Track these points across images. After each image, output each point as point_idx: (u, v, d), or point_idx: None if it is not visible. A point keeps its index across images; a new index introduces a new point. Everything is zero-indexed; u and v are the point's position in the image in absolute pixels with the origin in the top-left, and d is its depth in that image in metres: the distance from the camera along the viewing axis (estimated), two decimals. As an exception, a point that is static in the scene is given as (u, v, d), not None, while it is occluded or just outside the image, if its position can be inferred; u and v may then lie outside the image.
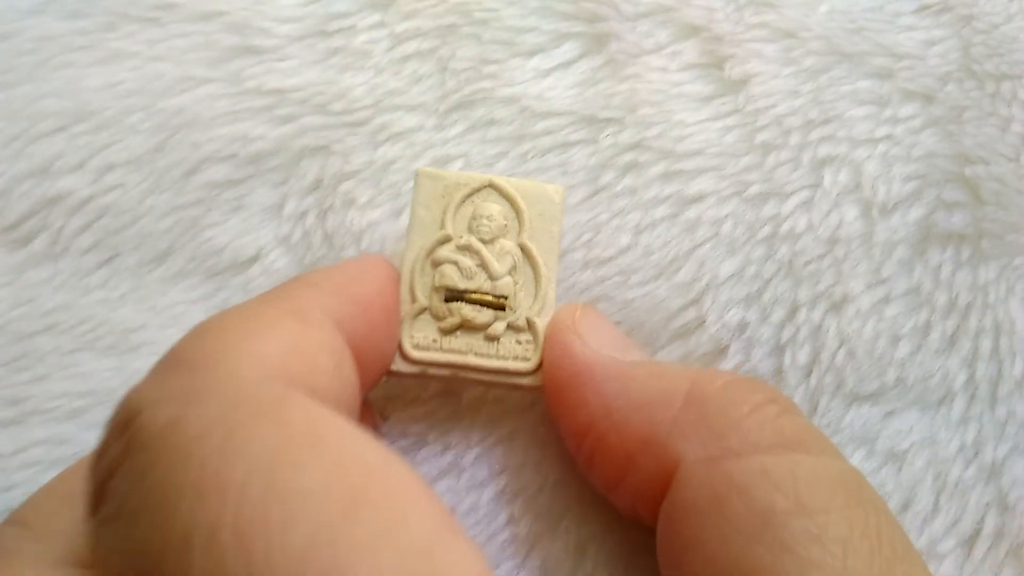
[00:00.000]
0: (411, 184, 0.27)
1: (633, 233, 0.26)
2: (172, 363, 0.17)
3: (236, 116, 0.27)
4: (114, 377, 0.25)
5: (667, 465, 0.20)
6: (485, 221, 0.23)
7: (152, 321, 0.26)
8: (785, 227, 0.26)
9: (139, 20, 0.28)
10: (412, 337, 0.23)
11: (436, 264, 0.23)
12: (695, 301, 0.25)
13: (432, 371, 0.23)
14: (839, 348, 0.25)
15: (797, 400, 0.25)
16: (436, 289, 0.23)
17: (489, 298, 0.23)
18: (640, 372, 0.22)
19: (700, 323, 0.25)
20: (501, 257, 0.23)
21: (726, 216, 0.26)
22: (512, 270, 0.23)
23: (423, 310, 0.23)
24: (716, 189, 0.26)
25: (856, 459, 0.24)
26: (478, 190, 0.23)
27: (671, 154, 0.27)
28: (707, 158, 0.27)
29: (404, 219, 0.26)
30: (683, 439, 0.20)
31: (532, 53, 0.28)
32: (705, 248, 0.26)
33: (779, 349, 0.25)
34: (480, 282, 0.23)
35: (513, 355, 0.23)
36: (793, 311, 0.25)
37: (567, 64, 0.28)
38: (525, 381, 0.23)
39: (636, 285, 0.26)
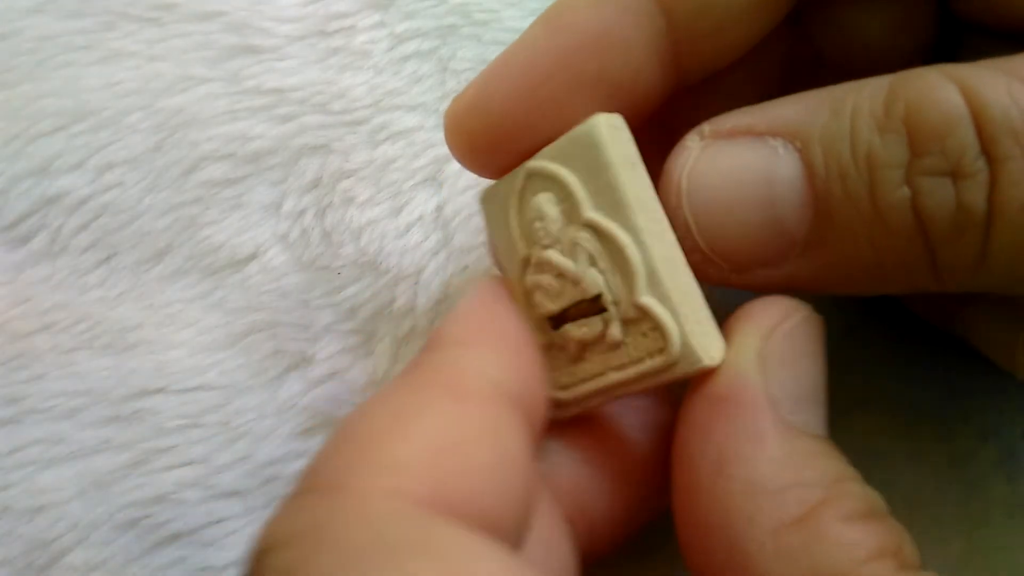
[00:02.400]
0: (411, 183, 0.27)
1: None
2: (307, 485, 0.15)
3: (235, 115, 0.27)
4: (111, 376, 0.25)
5: None
6: (537, 224, 0.19)
7: (149, 320, 0.26)
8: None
9: (138, 20, 0.28)
10: (553, 380, 0.19)
11: (528, 294, 0.19)
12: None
13: (587, 404, 0.19)
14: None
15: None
16: (538, 322, 0.19)
17: (584, 305, 0.19)
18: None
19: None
20: (573, 252, 0.19)
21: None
22: (592, 260, 0.18)
23: (545, 347, 0.19)
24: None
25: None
26: (523, 189, 0.19)
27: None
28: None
29: (404, 217, 0.26)
30: None
31: (532, 54, 0.28)
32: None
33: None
34: (570, 293, 0.19)
35: (647, 352, 0.18)
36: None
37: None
38: (678, 372, 0.18)
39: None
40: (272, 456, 0.25)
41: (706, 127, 0.18)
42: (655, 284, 0.18)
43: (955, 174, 0.16)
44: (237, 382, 0.25)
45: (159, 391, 0.25)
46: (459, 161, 0.20)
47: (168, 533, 0.24)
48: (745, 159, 0.18)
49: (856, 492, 0.17)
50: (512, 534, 0.16)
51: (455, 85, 0.28)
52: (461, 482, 0.15)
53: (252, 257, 0.26)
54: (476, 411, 0.16)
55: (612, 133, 0.18)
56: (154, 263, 0.26)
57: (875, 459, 0.23)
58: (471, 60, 0.28)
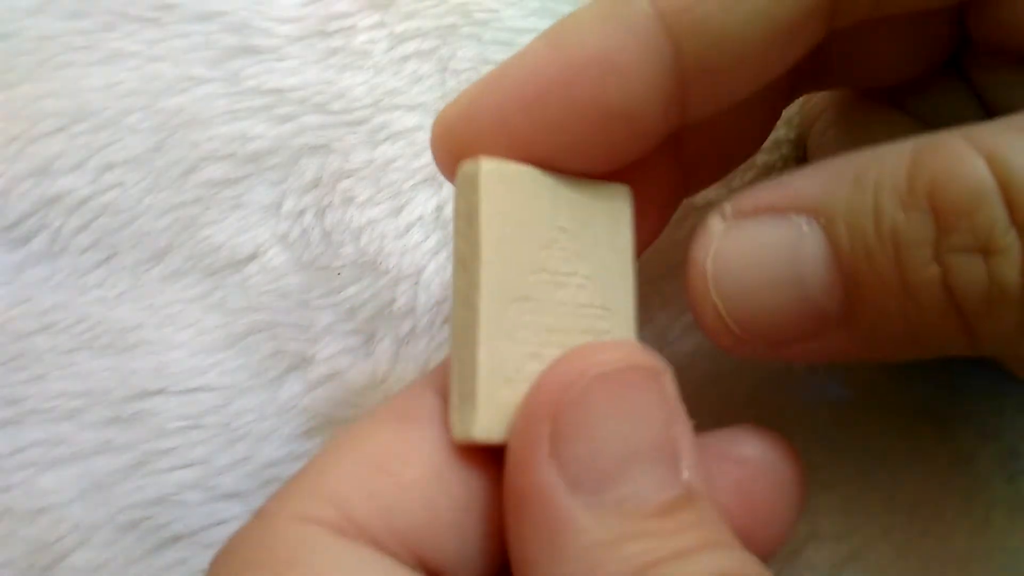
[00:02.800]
0: (411, 183, 0.27)
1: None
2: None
3: (235, 115, 0.27)
4: (111, 377, 0.25)
5: None
6: None
7: (149, 320, 0.26)
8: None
9: (139, 20, 0.28)
10: None
11: None
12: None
13: None
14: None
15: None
16: None
17: None
18: None
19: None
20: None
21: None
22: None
23: None
24: (720, 195, 0.26)
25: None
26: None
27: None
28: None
29: (404, 217, 0.26)
30: None
31: (532, 54, 0.28)
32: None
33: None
34: None
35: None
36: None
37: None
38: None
39: (645, 283, 0.25)
40: (273, 457, 0.24)
41: (728, 207, 0.18)
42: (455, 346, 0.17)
43: (985, 250, 0.16)
44: (237, 383, 0.25)
45: (159, 392, 0.25)
46: (440, 169, 0.19)
47: (169, 535, 0.24)
48: (769, 239, 0.17)
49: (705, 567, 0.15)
50: (454, 547, 0.16)
51: (455, 85, 0.27)
52: (377, 504, 0.16)
53: (252, 257, 0.26)
54: (413, 431, 0.17)
55: (495, 182, 0.17)
56: (154, 263, 0.26)
57: (876, 460, 0.23)
58: (471, 60, 0.28)
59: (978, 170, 0.16)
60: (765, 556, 0.17)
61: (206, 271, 0.26)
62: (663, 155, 0.20)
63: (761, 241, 0.17)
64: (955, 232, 0.16)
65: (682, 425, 0.16)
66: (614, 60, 0.17)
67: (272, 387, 0.25)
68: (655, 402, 0.16)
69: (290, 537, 0.16)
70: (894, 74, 0.21)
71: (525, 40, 0.27)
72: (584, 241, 0.18)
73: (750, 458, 0.19)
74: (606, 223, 0.18)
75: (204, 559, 0.24)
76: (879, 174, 0.16)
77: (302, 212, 0.26)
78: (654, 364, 0.17)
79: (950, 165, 0.16)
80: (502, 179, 0.17)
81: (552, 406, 0.16)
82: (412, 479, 0.16)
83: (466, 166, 0.17)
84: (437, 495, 0.16)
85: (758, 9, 0.17)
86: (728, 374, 0.25)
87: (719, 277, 0.18)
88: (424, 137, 0.27)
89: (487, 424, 0.16)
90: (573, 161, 0.18)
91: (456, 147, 0.18)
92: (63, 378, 0.25)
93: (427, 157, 0.27)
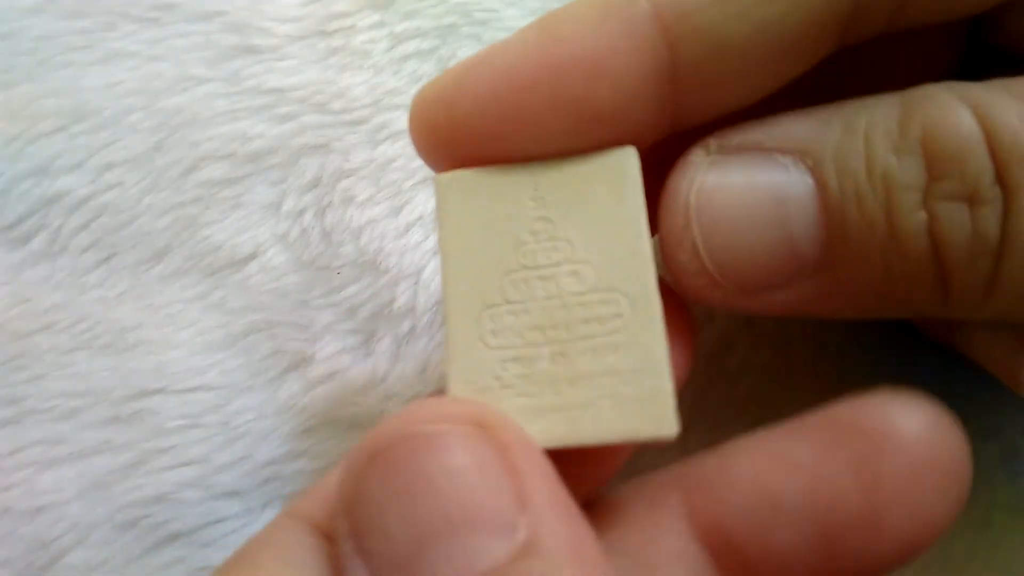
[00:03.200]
0: (411, 182, 0.27)
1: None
2: None
3: (235, 115, 0.27)
4: (110, 376, 0.25)
5: None
6: None
7: (149, 320, 0.26)
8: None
9: (139, 20, 0.28)
10: None
11: None
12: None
13: None
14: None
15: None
16: None
17: None
18: None
19: (709, 319, 0.25)
20: None
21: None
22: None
23: None
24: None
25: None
26: None
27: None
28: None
29: (404, 217, 0.26)
30: None
31: (533, 54, 0.28)
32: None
33: (786, 344, 0.25)
34: None
35: None
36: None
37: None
38: None
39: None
40: (272, 456, 0.24)
41: (712, 142, 0.17)
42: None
43: (971, 200, 0.16)
44: (237, 382, 0.25)
45: (159, 391, 0.25)
46: (417, 151, 0.18)
47: (168, 533, 0.24)
48: (756, 177, 0.17)
49: None
50: None
51: (455, 84, 0.27)
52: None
53: (252, 257, 0.26)
54: None
55: (452, 194, 0.17)
56: (154, 263, 0.26)
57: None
58: (471, 60, 0.28)
59: (967, 121, 0.16)
60: (904, 556, 0.16)
61: (206, 271, 0.26)
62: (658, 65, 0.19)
63: (746, 179, 0.17)
64: (945, 179, 0.16)
65: (511, 476, 0.14)
66: (607, 61, 0.16)
67: (271, 386, 0.25)
68: (441, 469, 0.14)
69: (267, 529, 0.17)
70: (896, 85, 0.21)
71: (525, 40, 0.28)
72: (575, 225, 0.17)
73: (891, 432, 0.16)
74: (606, 198, 0.17)
75: (202, 557, 0.24)
76: (870, 119, 0.16)
77: (302, 212, 0.26)
78: (444, 420, 0.15)
79: (941, 113, 0.16)
80: (462, 189, 0.17)
81: (347, 500, 0.15)
82: None
83: (435, 179, 0.18)
84: None
85: (765, 21, 0.16)
86: (728, 374, 0.25)
87: (701, 212, 0.17)
88: (424, 137, 0.27)
89: None
90: (545, 153, 0.17)
91: (434, 133, 0.18)
92: (63, 378, 0.25)
93: (427, 157, 0.27)
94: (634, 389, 0.16)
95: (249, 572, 0.16)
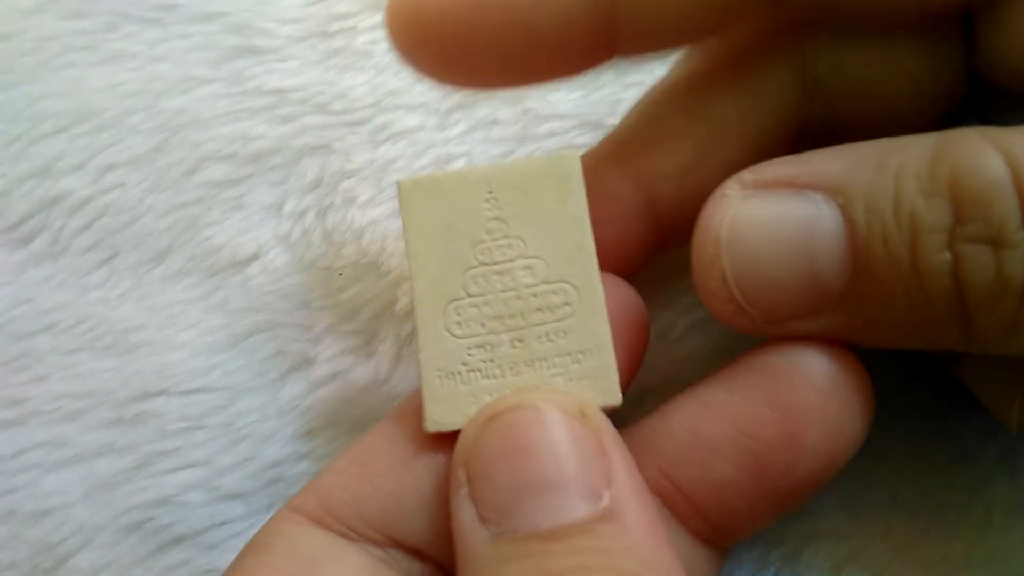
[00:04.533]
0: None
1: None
2: None
3: (236, 116, 0.27)
4: (113, 378, 0.25)
5: None
6: None
7: (151, 321, 0.26)
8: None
9: (140, 20, 0.28)
10: None
11: None
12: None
13: None
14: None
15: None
16: None
17: None
18: None
19: (711, 320, 0.25)
20: None
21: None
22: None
23: None
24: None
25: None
26: None
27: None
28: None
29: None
30: None
31: (534, 54, 0.28)
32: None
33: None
34: None
35: None
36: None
37: (570, 66, 0.28)
38: None
39: (648, 283, 0.25)
40: (275, 458, 0.25)
41: (747, 175, 0.18)
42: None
43: (996, 242, 0.16)
44: (239, 384, 0.25)
45: (161, 393, 0.25)
46: (394, 46, 0.19)
47: (172, 536, 0.24)
48: (787, 211, 0.18)
49: None
50: (424, 526, 0.18)
51: (456, 84, 0.27)
52: (350, 495, 0.18)
53: (253, 258, 0.26)
54: (389, 429, 0.19)
55: (414, 197, 0.19)
56: (155, 264, 0.26)
57: (877, 459, 0.23)
58: (472, 60, 0.28)
59: (996, 165, 0.16)
60: (825, 467, 0.19)
61: (208, 272, 0.26)
62: (642, 221, 0.21)
63: (778, 213, 0.18)
64: (971, 222, 0.16)
65: (602, 457, 0.17)
66: None
67: (274, 388, 0.25)
68: (545, 438, 0.17)
69: (272, 526, 0.19)
70: (900, 122, 0.21)
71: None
72: (526, 224, 0.19)
73: (797, 367, 0.19)
74: (552, 198, 0.19)
75: (207, 560, 0.24)
76: (901, 160, 0.17)
77: (303, 212, 0.27)
78: (553, 403, 0.18)
79: (971, 157, 0.16)
80: (423, 193, 0.19)
81: (464, 452, 0.18)
82: (379, 470, 0.19)
83: (398, 183, 0.19)
84: (403, 482, 0.18)
85: None
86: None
87: (732, 244, 0.18)
88: (426, 137, 0.27)
89: (437, 416, 0.19)
90: (508, 71, 0.19)
91: (406, 26, 0.19)
92: (65, 379, 0.25)
93: (429, 157, 0.27)
94: (583, 367, 0.19)
95: (262, 560, 0.18)
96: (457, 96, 0.27)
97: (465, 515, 0.17)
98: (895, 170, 0.17)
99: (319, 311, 0.26)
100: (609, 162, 0.21)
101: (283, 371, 0.25)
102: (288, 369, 0.25)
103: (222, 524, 0.24)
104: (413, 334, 0.25)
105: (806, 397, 0.18)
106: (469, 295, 0.19)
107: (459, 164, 0.27)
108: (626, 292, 0.20)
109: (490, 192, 0.19)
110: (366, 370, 0.25)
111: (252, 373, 0.25)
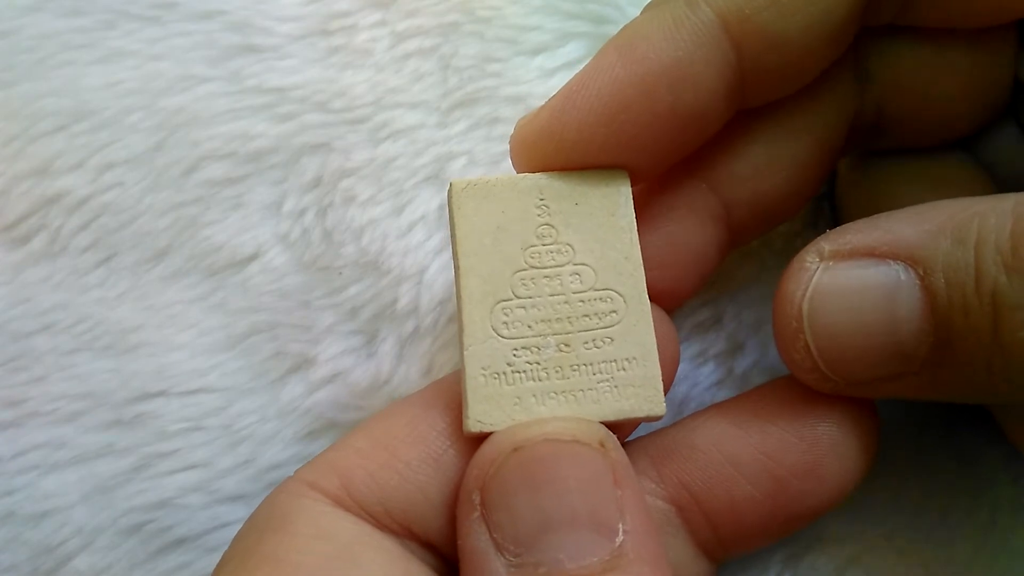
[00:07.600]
0: (412, 181, 0.26)
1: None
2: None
3: (236, 114, 0.27)
4: (112, 378, 0.25)
5: None
6: None
7: (150, 320, 0.26)
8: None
9: (139, 19, 0.28)
10: None
11: None
12: (712, 300, 0.25)
13: None
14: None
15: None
16: None
17: None
18: None
19: (716, 320, 0.25)
20: None
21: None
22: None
23: None
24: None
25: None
26: None
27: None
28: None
29: (406, 216, 0.26)
30: None
31: (536, 52, 0.28)
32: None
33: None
34: None
35: None
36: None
37: (572, 64, 0.27)
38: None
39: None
40: (275, 460, 0.24)
41: (826, 246, 0.19)
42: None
43: None
44: (238, 384, 0.25)
45: (160, 394, 0.25)
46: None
47: (172, 538, 0.24)
48: (868, 282, 0.18)
49: None
50: (444, 524, 0.18)
51: (456, 82, 0.27)
52: (375, 482, 0.18)
53: (253, 257, 0.26)
54: (423, 418, 0.19)
55: (467, 199, 0.19)
56: (154, 263, 0.26)
57: (881, 463, 0.23)
58: (473, 57, 0.27)
59: None
60: (834, 499, 0.20)
61: (207, 271, 0.26)
62: (719, 224, 0.21)
63: (859, 284, 0.18)
64: None
65: (618, 490, 0.17)
66: (687, 70, 0.19)
67: (274, 388, 0.25)
68: (572, 474, 0.17)
69: (291, 501, 0.18)
70: (948, 120, 0.22)
71: (529, 38, 0.27)
72: (576, 232, 0.20)
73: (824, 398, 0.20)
74: (603, 209, 0.20)
75: (207, 563, 0.24)
76: (982, 231, 0.17)
77: (303, 211, 0.26)
78: (578, 436, 0.18)
79: None
80: (475, 195, 0.19)
81: (481, 476, 0.18)
82: (409, 461, 0.19)
83: (452, 183, 0.19)
84: (432, 478, 0.19)
85: (811, 16, 0.19)
86: (731, 379, 0.25)
87: (814, 317, 0.19)
88: (426, 135, 0.27)
89: (480, 417, 0.18)
90: (644, 160, 0.20)
91: (539, 161, 0.20)
92: (64, 380, 0.25)
93: (429, 155, 0.26)
94: (628, 375, 0.19)
95: (286, 540, 0.18)
96: (457, 94, 0.27)
97: (478, 540, 0.17)
98: (975, 241, 0.17)
99: (319, 311, 0.26)
100: (679, 170, 0.21)
101: (283, 372, 0.25)
102: (288, 370, 0.25)
103: (222, 527, 0.24)
104: (415, 334, 0.25)
105: (831, 425, 0.20)
106: (517, 296, 0.19)
107: (460, 163, 0.27)
108: (667, 325, 0.21)
109: (541, 199, 0.20)
110: (367, 371, 0.25)
111: (251, 374, 0.25)
